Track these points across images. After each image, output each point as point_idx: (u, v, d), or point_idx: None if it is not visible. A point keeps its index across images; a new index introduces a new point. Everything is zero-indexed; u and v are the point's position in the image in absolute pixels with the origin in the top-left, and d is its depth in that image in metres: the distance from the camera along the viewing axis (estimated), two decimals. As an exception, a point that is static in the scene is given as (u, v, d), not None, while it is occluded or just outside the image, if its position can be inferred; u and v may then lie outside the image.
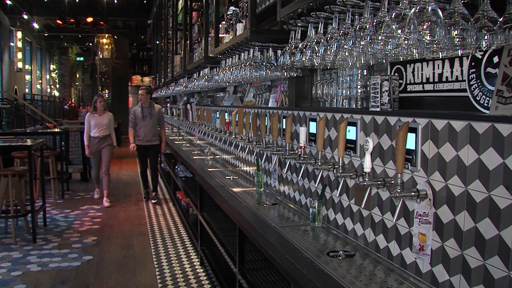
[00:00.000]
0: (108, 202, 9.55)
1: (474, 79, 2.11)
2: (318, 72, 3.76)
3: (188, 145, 9.22)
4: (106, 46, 24.60)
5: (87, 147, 9.49)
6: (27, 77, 21.67)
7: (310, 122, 3.45)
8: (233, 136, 5.35)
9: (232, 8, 4.91)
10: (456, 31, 1.72)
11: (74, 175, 12.17)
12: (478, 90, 2.08)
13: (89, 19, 20.70)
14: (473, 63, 2.12)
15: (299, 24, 3.00)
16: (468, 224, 1.95)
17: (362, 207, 2.60)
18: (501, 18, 1.73)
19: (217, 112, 6.48)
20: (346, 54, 2.33)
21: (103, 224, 8.00)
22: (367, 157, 2.49)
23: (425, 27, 1.73)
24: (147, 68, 27.65)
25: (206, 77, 6.51)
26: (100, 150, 9.53)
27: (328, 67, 3.30)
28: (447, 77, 2.33)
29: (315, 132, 3.35)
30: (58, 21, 19.66)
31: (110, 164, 9.86)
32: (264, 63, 3.97)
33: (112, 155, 9.79)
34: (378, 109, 2.58)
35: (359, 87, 3.03)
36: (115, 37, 24.98)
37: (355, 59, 2.32)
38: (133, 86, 28.18)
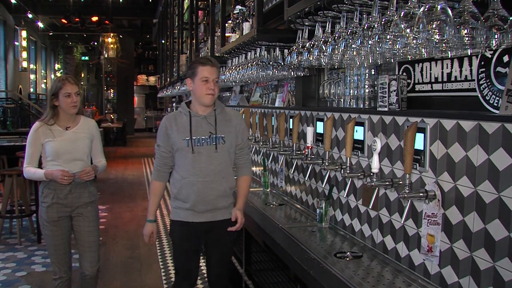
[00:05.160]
0: None
1: (484, 79, 2.09)
2: (326, 71, 3.75)
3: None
4: (111, 46, 24.61)
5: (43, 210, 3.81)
6: (32, 76, 21.69)
7: (317, 122, 3.44)
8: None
9: (238, 7, 4.90)
10: (465, 30, 1.70)
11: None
12: (488, 90, 2.06)
13: (94, 18, 20.71)
14: (482, 62, 2.10)
15: (307, 23, 2.98)
16: (478, 225, 1.93)
17: (370, 207, 2.58)
18: (512, 17, 1.71)
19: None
20: (354, 53, 2.31)
21: (108, 224, 8.00)
22: (375, 158, 2.48)
23: (434, 26, 1.72)
24: (153, 67, 27.69)
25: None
26: (70, 216, 3.89)
27: (336, 67, 3.28)
28: (456, 77, 2.31)
29: (322, 132, 3.34)
30: (63, 20, 19.67)
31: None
32: (271, 63, 3.96)
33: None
34: (386, 109, 2.57)
35: (366, 86, 3.02)
36: (120, 36, 24.99)
37: (363, 58, 2.31)
38: (138, 86, 28.24)
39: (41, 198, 3.81)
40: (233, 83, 5.91)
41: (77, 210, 3.87)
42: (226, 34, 5.43)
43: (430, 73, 2.50)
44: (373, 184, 2.45)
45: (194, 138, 3.26)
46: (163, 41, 16.60)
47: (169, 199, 8.81)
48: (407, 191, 2.23)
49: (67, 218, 3.89)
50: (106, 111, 24.98)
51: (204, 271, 4.69)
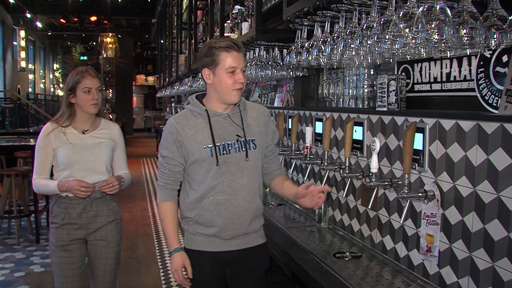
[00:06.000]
0: None
1: (483, 79, 2.08)
2: (324, 71, 3.75)
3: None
4: (110, 45, 24.60)
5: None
6: (30, 76, 21.67)
7: (316, 122, 3.44)
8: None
9: (237, 7, 4.89)
10: (464, 30, 1.70)
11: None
12: (487, 90, 2.06)
13: (93, 18, 20.67)
14: (481, 62, 2.10)
15: (306, 23, 2.98)
16: (477, 225, 1.93)
17: (369, 208, 2.58)
18: (511, 17, 1.71)
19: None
20: (353, 53, 2.31)
21: (107, 223, 7.99)
22: (374, 158, 2.47)
23: (433, 26, 1.71)
24: (152, 67, 27.66)
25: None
26: (85, 240, 3.22)
27: (335, 67, 3.28)
28: (455, 77, 2.31)
29: (321, 132, 3.33)
30: (62, 20, 19.63)
31: None
32: (270, 63, 3.95)
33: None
34: (385, 109, 2.56)
35: (365, 86, 3.02)
36: (119, 36, 24.97)
37: (362, 58, 2.30)
38: (137, 86, 28.20)
39: (51, 218, 3.15)
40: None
41: (94, 234, 3.18)
42: (225, 34, 5.42)
43: (429, 73, 2.49)
44: (372, 184, 2.45)
45: (219, 144, 2.47)
46: (162, 41, 16.59)
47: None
48: (406, 191, 2.23)
49: (81, 242, 3.19)
50: (105, 111, 24.92)
51: None
